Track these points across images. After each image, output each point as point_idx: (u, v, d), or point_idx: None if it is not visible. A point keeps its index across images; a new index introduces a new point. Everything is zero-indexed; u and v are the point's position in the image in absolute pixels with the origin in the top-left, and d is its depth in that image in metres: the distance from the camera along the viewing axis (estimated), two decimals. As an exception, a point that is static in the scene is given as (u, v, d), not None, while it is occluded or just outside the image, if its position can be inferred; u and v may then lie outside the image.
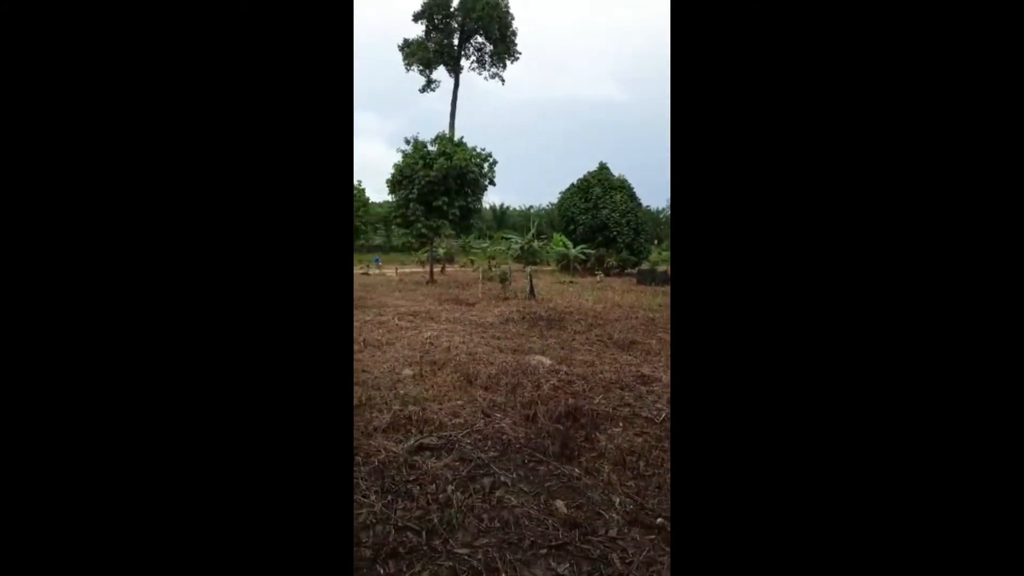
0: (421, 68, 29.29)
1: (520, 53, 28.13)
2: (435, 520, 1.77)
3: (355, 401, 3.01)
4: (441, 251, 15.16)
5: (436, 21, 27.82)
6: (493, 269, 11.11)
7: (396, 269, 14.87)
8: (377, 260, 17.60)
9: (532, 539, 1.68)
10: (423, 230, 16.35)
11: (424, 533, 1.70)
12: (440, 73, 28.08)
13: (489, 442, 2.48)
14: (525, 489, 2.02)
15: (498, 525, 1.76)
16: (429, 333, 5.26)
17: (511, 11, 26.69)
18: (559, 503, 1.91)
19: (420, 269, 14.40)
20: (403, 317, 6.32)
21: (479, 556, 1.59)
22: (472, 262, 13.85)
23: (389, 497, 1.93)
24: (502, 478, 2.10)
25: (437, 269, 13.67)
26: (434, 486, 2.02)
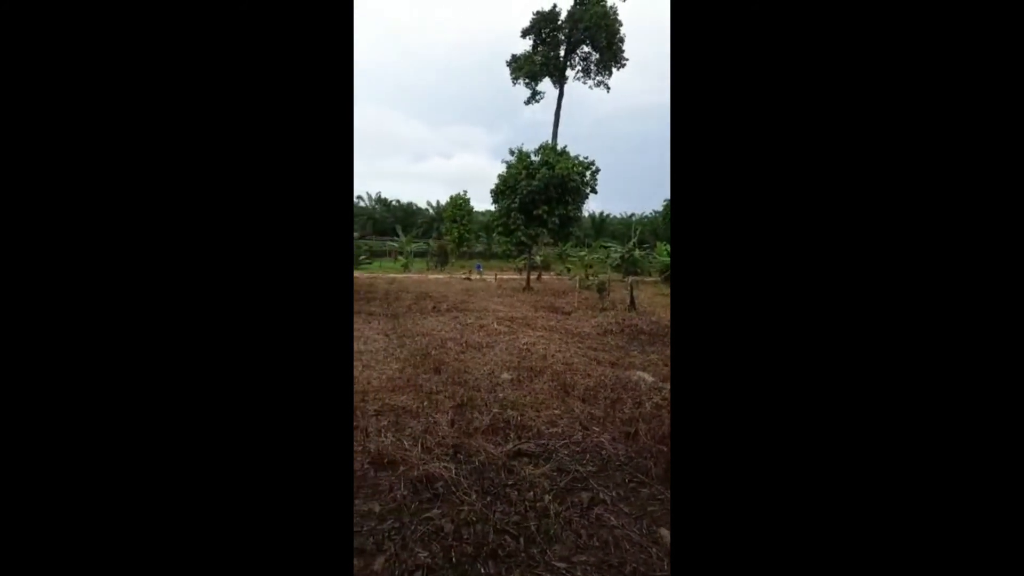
0: (527, 81, 30.07)
1: (627, 60, 27.55)
2: (532, 528, 1.76)
3: (457, 401, 3.15)
4: (538, 258, 15.35)
5: (544, 35, 28.39)
6: (590, 278, 10.94)
7: (495, 275, 15.38)
8: (479, 266, 18.38)
9: (634, 566, 1.59)
10: (522, 238, 16.70)
11: (522, 539, 1.70)
12: (545, 84, 28.60)
13: (587, 455, 2.42)
14: (625, 510, 1.93)
15: (597, 544, 1.70)
16: (526, 339, 5.32)
17: (619, 18, 26.29)
18: (664, 532, 1.79)
19: (517, 276, 14.72)
20: (501, 322, 6.49)
21: (577, 573, 1.55)
22: (568, 270, 13.80)
23: (488, 498, 1.97)
24: (601, 495, 2.04)
25: (533, 276, 13.85)
26: (532, 493, 2.02)
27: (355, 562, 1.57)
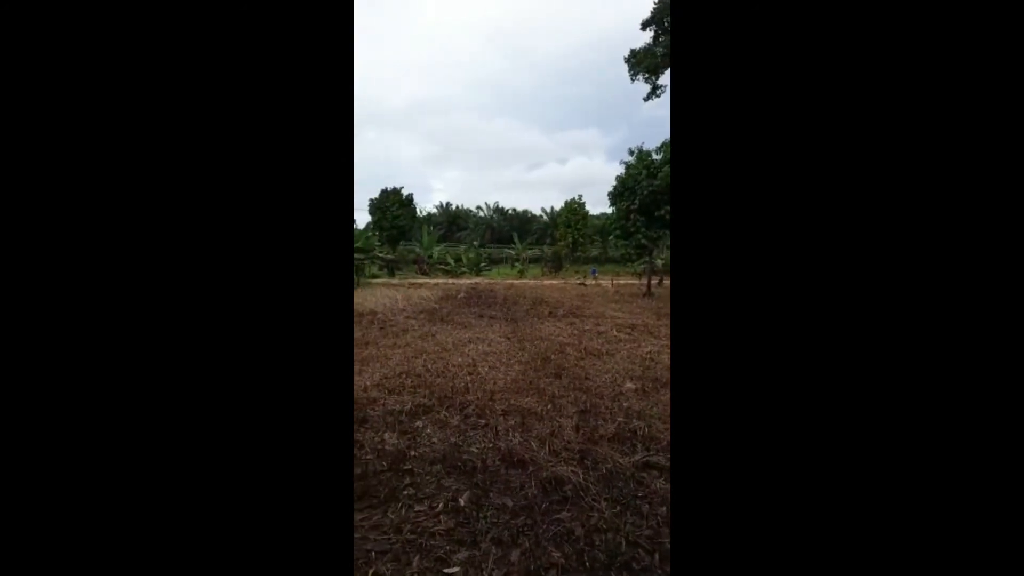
0: (647, 76, 29.06)
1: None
2: (667, 545, 1.70)
3: (580, 407, 3.16)
4: (659, 262, 14.60)
5: (666, 24, 27.14)
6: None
7: (611, 280, 15.02)
8: (594, 271, 18.18)
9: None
10: (643, 240, 16.09)
11: (656, 555, 1.65)
12: (666, 78, 27.21)
13: (725, 476, 2.24)
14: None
15: (741, 573, 1.57)
16: (648, 348, 5.12)
17: None
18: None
19: (635, 281, 14.17)
20: (621, 329, 6.33)
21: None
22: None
23: (618, 508, 1.95)
24: (743, 521, 1.87)
25: (655, 281, 13.21)
26: (664, 508, 1.94)
27: (492, 550, 1.68)
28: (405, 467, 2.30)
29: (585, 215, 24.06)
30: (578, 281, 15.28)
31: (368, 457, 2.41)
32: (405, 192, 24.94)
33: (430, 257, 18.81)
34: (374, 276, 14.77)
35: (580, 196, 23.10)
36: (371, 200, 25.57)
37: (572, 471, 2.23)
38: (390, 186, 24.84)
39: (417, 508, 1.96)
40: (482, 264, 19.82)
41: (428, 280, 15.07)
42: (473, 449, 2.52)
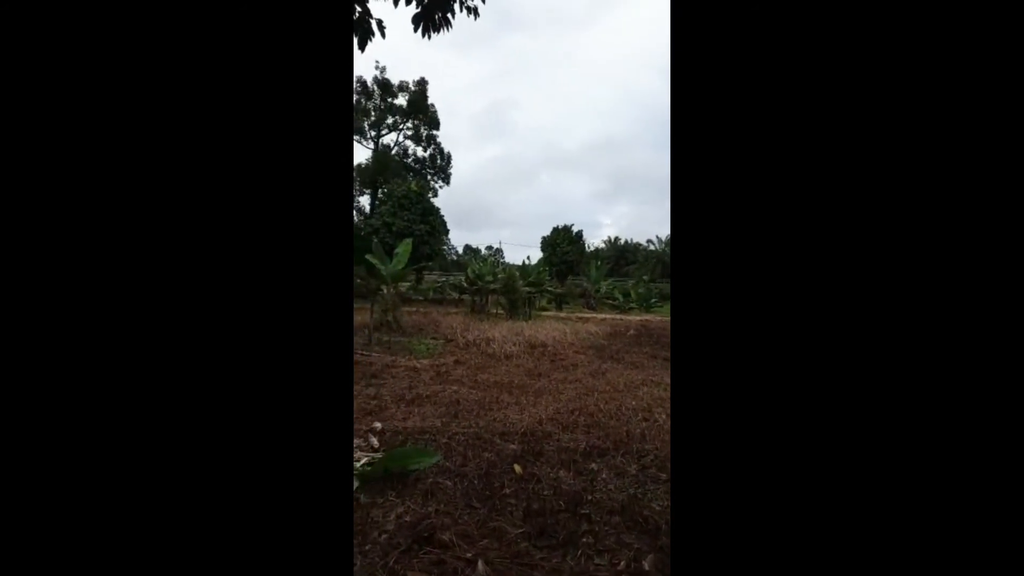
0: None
1: None
2: None
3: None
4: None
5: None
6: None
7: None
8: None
9: None
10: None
11: None
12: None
13: None
14: None
15: None
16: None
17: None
18: None
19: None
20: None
21: None
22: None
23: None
24: None
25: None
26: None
27: None
28: (583, 511, 2.25)
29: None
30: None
31: (546, 493, 2.43)
32: (575, 228, 25.78)
33: (597, 291, 18.79)
34: (543, 309, 15.42)
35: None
36: (543, 238, 27.08)
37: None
38: (561, 224, 26.00)
39: (597, 561, 1.87)
40: (652, 300, 18.92)
41: (595, 315, 15.03)
42: (655, 506, 2.32)
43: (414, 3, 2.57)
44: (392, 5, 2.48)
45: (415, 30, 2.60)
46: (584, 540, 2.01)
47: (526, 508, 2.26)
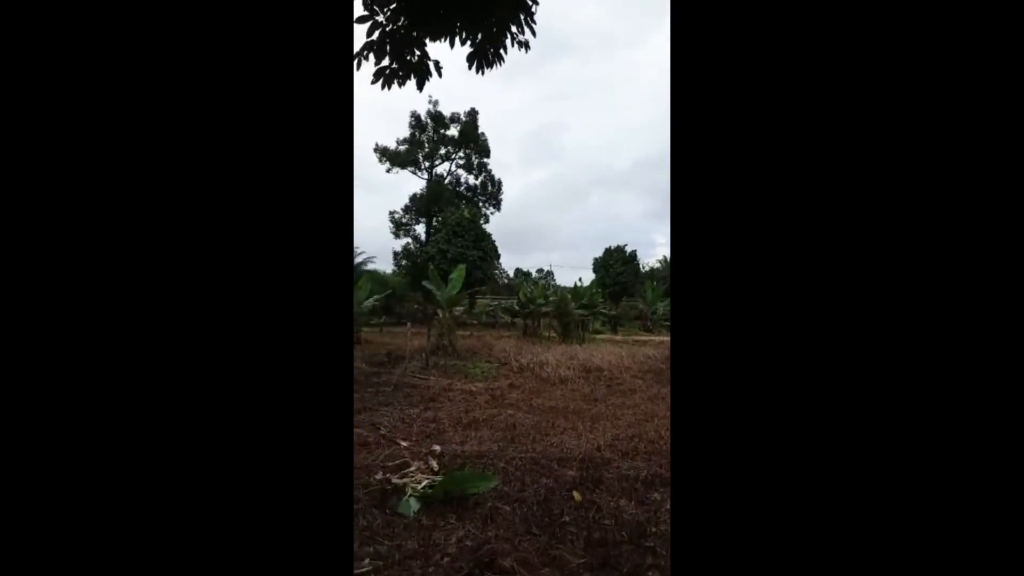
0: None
1: None
2: None
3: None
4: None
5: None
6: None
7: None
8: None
9: None
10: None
11: None
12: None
13: None
14: None
15: None
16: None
17: None
18: None
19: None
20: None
21: None
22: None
23: None
24: None
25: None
26: None
27: None
28: (647, 543, 2.14)
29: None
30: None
31: (607, 522, 2.35)
32: (628, 249, 25.32)
33: (654, 313, 18.18)
34: (597, 331, 15.13)
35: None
36: (595, 259, 26.81)
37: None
38: (613, 244, 25.65)
39: (665, 597, 1.77)
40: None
41: (653, 337, 14.52)
42: (726, 542, 2.17)
43: (468, 43, 2.73)
44: (448, 47, 2.64)
45: (469, 67, 2.75)
46: (649, 573, 1.91)
47: (587, 537, 2.19)
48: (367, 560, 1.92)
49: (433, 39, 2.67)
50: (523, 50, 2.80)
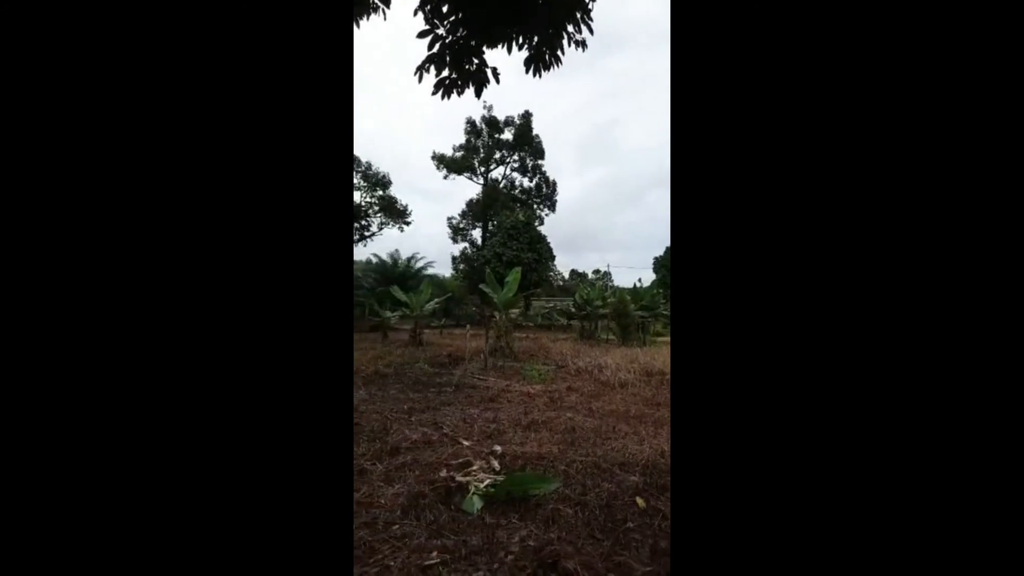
0: None
1: None
2: None
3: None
4: None
5: None
6: None
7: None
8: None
9: None
10: None
11: None
12: None
13: None
14: None
15: None
16: None
17: None
18: None
19: None
20: None
21: None
22: None
23: None
24: None
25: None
26: None
27: None
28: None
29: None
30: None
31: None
32: (689, 248, 24.26)
33: (719, 315, 17.26)
34: (658, 334, 14.62)
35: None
36: (655, 258, 25.98)
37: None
38: (673, 243, 24.62)
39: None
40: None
41: (718, 340, 13.77)
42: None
43: (525, 48, 2.76)
44: (506, 53, 2.69)
45: (527, 71, 2.78)
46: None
47: (652, 545, 2.12)
48: (435, 552, 1.98)
49: (491, 47, 2.73)
50: (579, 49, 2.79)
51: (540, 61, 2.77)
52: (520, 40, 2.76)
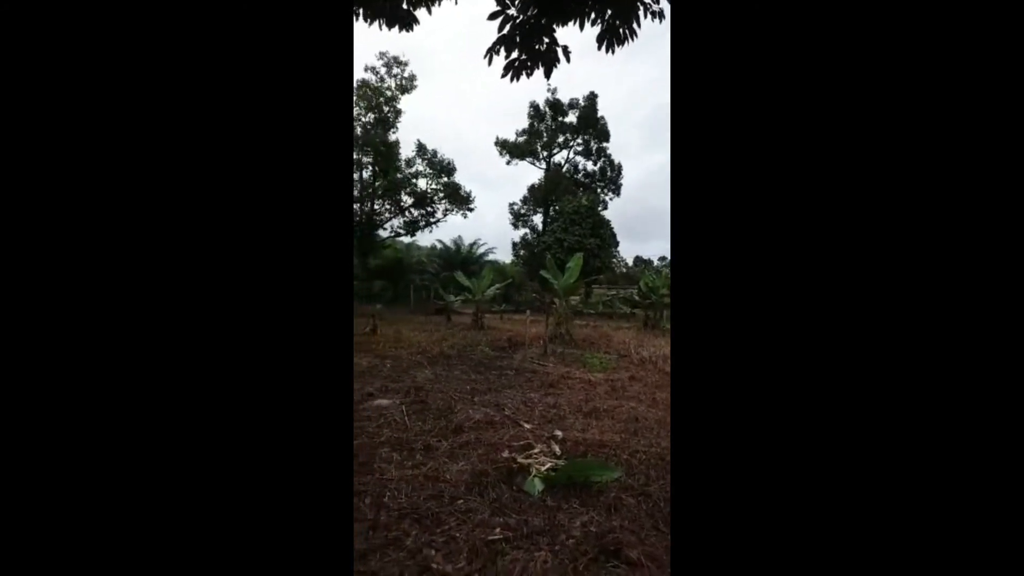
0: None
1: None
2: None
3: None
4: None
5: None
6: None
7: None
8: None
9: None
10: None
11: None
12: None
13: None
14: None
15: None
16: None
17: None
18: None
19: None
20: None
21: None
22: None
23: None
24: None
25: None
26: None
27: None
28: None
29: None
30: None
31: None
32: (766, 235, 22.60)
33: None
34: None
35: None
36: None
37: None
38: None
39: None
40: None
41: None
42: None
43: (597, 23, 2.65)
44: (578, 30, 2.61)
45: (599, 47, 2.68)
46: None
47: (723, 545, 2.03)
48: (497, 529, 2.03)
49: (563, 23, 2.65)
50: (657, 20, 2.64)
51: (615, 35, 2.65)
52: (593, 16, 2.66)
